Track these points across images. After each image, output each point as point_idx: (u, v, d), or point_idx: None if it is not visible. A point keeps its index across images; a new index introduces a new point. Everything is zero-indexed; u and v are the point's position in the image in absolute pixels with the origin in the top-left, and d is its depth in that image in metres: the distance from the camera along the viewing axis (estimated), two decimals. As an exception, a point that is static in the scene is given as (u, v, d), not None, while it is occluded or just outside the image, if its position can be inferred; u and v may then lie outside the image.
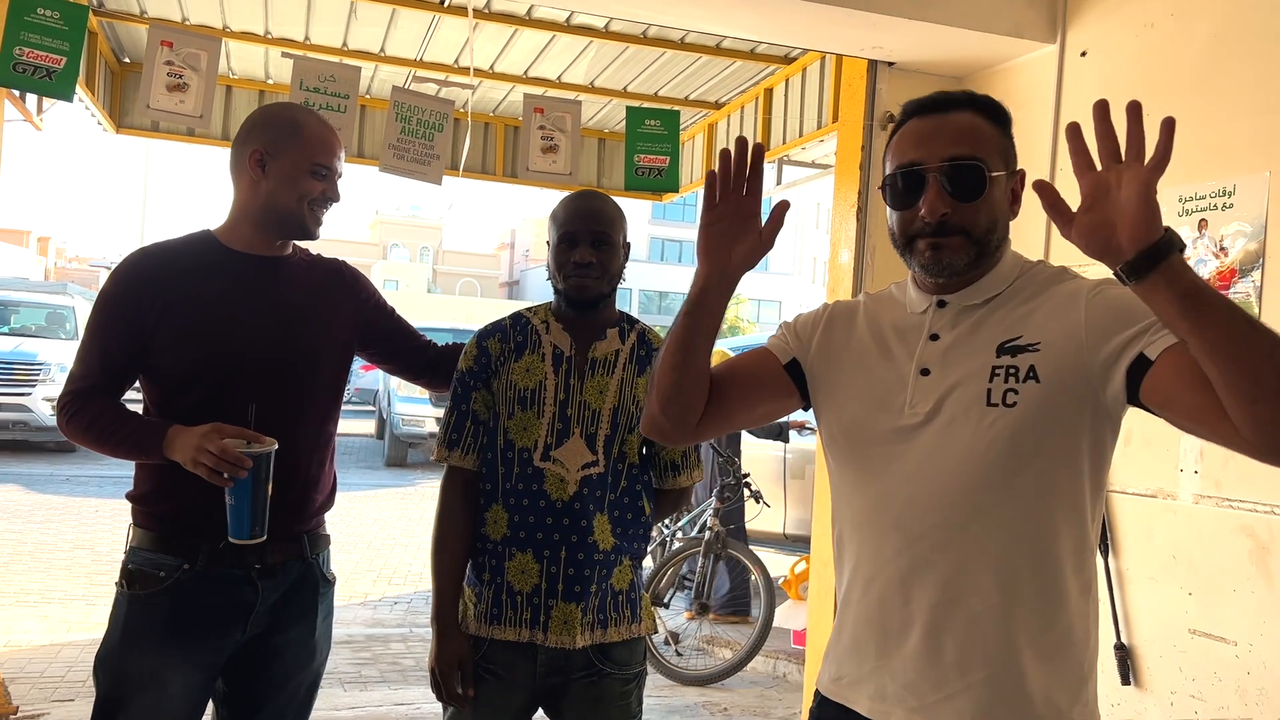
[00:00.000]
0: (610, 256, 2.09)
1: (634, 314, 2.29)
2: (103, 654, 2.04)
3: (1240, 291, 2.96)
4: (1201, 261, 3.08)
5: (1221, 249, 3.03)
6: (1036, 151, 3.76)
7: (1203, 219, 3.09)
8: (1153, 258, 1.16)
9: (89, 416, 2.00)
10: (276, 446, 1.92)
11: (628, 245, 2.15)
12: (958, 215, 1.41)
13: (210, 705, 2.17)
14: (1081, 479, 1.40)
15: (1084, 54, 3.61)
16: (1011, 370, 1.37)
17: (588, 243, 2.07)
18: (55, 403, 2.13)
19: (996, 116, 1.47)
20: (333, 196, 2.13)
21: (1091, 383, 1.36)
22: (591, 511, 2.04)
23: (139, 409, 2.10)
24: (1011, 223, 1.51)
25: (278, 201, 2.08)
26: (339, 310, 2.21)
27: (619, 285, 2.16)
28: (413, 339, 2.38)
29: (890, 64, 4.08)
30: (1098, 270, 1.30)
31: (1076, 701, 1.41)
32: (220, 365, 2.03)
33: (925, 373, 1.45)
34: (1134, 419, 3.66)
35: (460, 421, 2.13)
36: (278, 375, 2.07)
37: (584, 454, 2.06)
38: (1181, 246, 1.17)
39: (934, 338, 1.47)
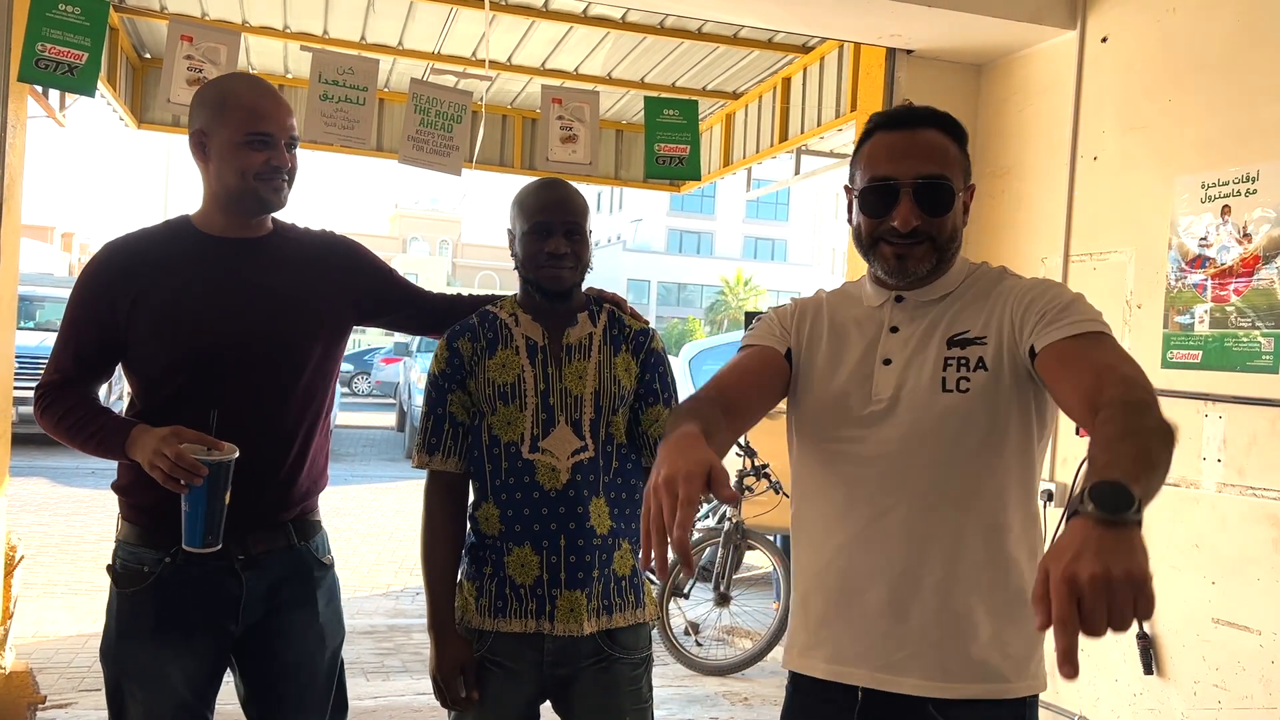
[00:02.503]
0: (582, 246, 2.09)
1: (651, 307, 2.29)
2: (104, 646, 2.04)
3: (1264, 278, 2.93)
4: (1225, 248, 3.06)
5: (1245, 235, 3.00)
6: (1057, 139, 3.74)
7: (1226, 205, 3.06)
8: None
9: (60, 410, 1.98)
10: (236, 455, 1.85)
11: (591, 233, 2.15)
12: (926, 226, 1.56)
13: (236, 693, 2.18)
14: (1027, 453, 1.56)
15: (1105, 40, 3.58)
16: (963, 360, 1.54)
17: (561, 233, 2.05)
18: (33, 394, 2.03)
19: (957, 135, 1.61)
20: (279, 164, 2.01)
21: (1021, 362, 1.53)
22: (586, 497, 2.04)
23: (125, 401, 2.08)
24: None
25: (225, 181, 2.01)
26: (328, 286, 2.13)
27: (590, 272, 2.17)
28: (420, 298, 2.32)
29: (909, 52, 4.06)
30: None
31: (1034, 653, 1.56)
32: (195, 355, 1.98)
33: (887, 362, 1.60)
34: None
35: (438, 425, 2.11)
36: (256, 361, 2.01)
37: (572, 441, 2.05)
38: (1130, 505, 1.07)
39: (894, 330, 1.62)
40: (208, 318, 1.99)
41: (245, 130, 1.98)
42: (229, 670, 2.14)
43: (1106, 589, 0.98)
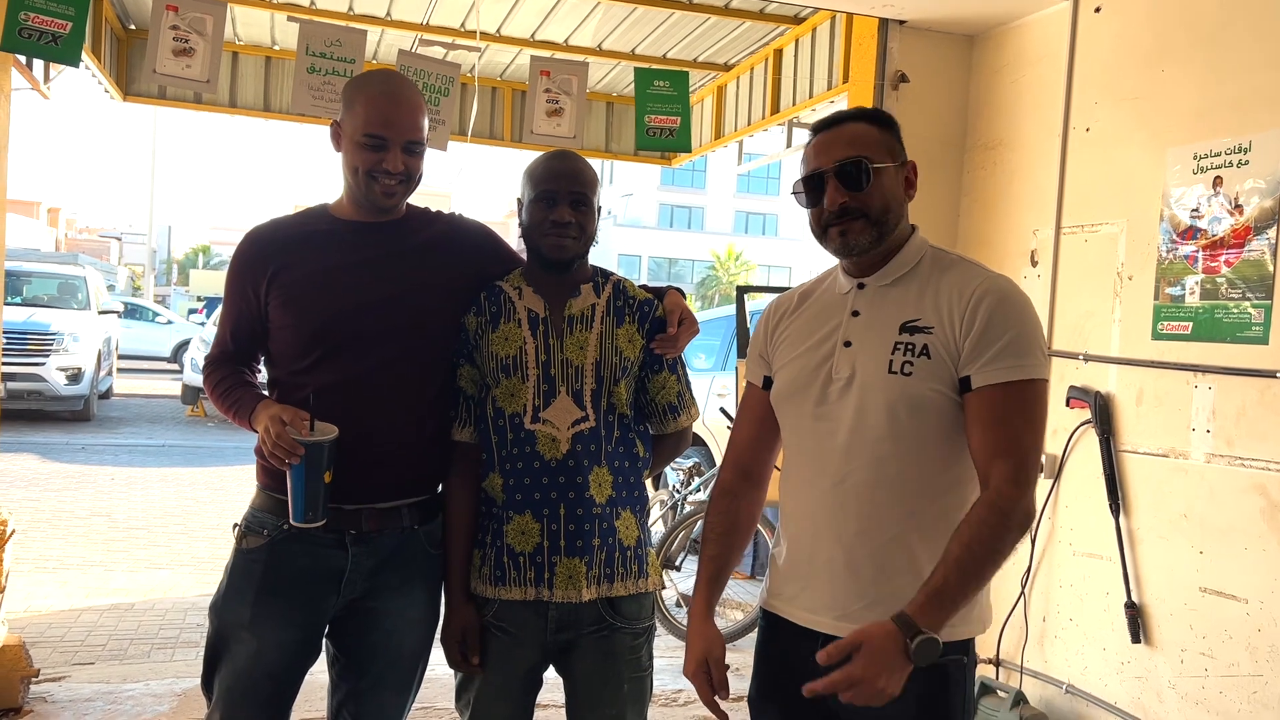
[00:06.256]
0: (588, 218, 2.10)
1: (644, 281, 2.30)
2: (214, 600, 2.13)
3: (1255, 249, 2.94)
4: (1216, 219, 3.06)
5: (1237, 206, 3.00)
6: (1050, 109, 3.72)
7: (1218, 176, 3.06)
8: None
9: (213, 383, 2.14)
10: (335, 435, 1.93)
11: (600, 208, 2.16)
12: (855, 202, 1.76)
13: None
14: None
15: (1098, 10, 3.56)
16: (910, 346, 1.73)
17: (566, 203, 2.07)
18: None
19: (881, 122, 1.82)
20: (391, 167, 2.05)
21: (959, 362, 1.72)
22: (587, 467, 2.06)
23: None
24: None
25: (346, 174, 2.11)
26: (456, 269, 2.18)
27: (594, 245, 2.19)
28: None
29: (901, 22, 4.03)
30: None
31: (978, 601, 1.74)
32: (323, 329, 2.06)
33: (848, 344, 1.80)
34: (1145, 377, 3.62)
35: (455, 399, 2.16)
36: (382, 338, 2.07)
37: (573, 411, 2.07)
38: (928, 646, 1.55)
39: (855, 314, 1.82)
40: (335, 294, 2.06)
41: (362, 130, 2.05)
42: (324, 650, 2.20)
43: (859, 694, 1.52)
